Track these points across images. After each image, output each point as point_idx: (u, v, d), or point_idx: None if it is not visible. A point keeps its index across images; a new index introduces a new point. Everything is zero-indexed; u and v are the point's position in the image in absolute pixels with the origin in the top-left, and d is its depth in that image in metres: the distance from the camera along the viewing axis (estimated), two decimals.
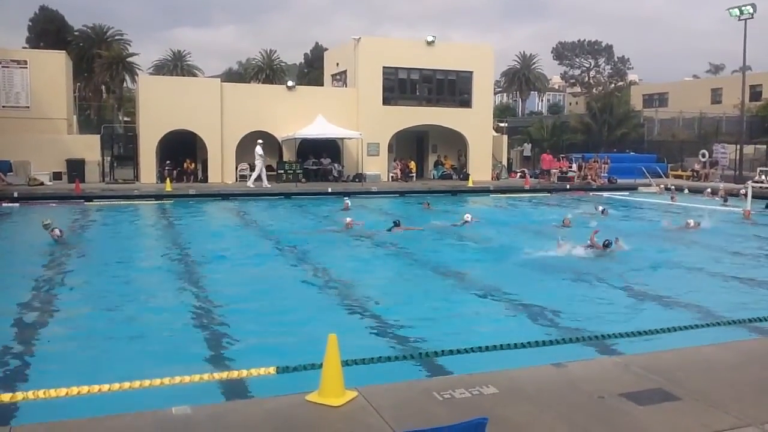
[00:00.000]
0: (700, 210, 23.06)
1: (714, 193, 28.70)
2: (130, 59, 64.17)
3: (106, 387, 5.93)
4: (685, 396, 5.40)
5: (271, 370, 6.41)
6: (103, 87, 64.47)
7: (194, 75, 66.98)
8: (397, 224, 18.04)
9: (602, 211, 22.37)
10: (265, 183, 29.10)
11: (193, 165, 31.77)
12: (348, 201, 23.27)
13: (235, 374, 6.62)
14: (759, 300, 10.97)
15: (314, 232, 18.32)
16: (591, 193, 31.44)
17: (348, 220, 18.42)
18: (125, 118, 55.31)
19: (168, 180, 28.41)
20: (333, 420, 4.94)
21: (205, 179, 31.22)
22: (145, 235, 18.82)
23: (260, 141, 29.72)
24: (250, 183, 29.18)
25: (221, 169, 31.14)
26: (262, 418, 4.99)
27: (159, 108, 29.67)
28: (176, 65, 71.83)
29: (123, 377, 6.14)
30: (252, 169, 32.11)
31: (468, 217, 19.38)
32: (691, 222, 19.16)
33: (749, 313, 9.13)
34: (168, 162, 30.71)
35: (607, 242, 14.82)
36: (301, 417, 4.99)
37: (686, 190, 31.24)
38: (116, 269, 12.97)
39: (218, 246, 16.27)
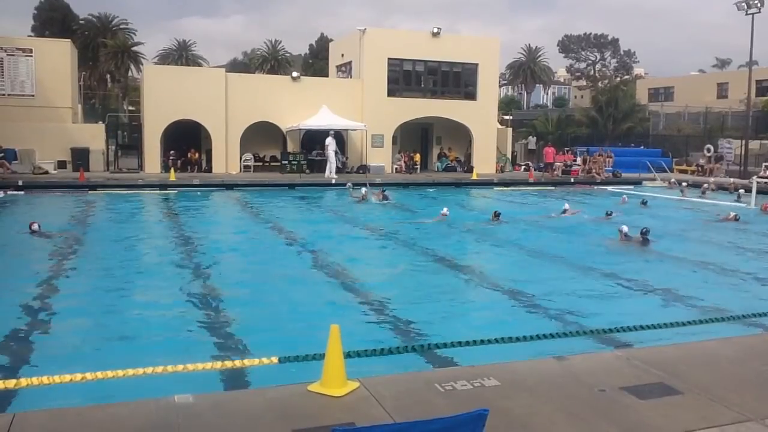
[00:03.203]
0: (711, 205, 23.30)
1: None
2: (135, 48, 64.17)
3: (109, 373, 5.98)
4: (687, 390, 5.41)
5: (274, 359, 6.45)
6: (108, 76, 64.47)
7: (199, 65, 66.93)
8: (497, 215, 18.30)
9: (643, 203, 23.29)
10: (333, 174, 29.48)
11: (197, 155, 31.79)
12: (365, 190, 23.28)
13: (237, 363, 6.65)
14: (763, 295, 10.96)
15: (408, 222, 18.48)
16: (595, 187, 31.42)
17: (444, 210, 18.61)
18: (130, 107, 55.30)
19: (172, 170, 28.45)
20: (334, 410, 4.97)
21: (209, 169, 31.23)
22: (148, 224, 18.84)
23: (332, 132, 30.07)
24: (333, 175, 29.43)
25: (225, 159, 31.13)
26: (264, 407, 5.02)
27: (164, 97, 29.65)
28: (181, 55, 71.80)
29: (125, 365, 6.19)
30: (257, 159, 32.26)
31: (567, 206, 20.21)
32: (731, 214, 19.46)
33: (753, 308, 9.13)
34: (172, 152, 30.71)
35: (644, 230, 15.19)
36: (303, 406, 5.02)
37: (685, 184, 31.35)
38: (120, 258, 13.00)
39: (222, 235, 16.31)
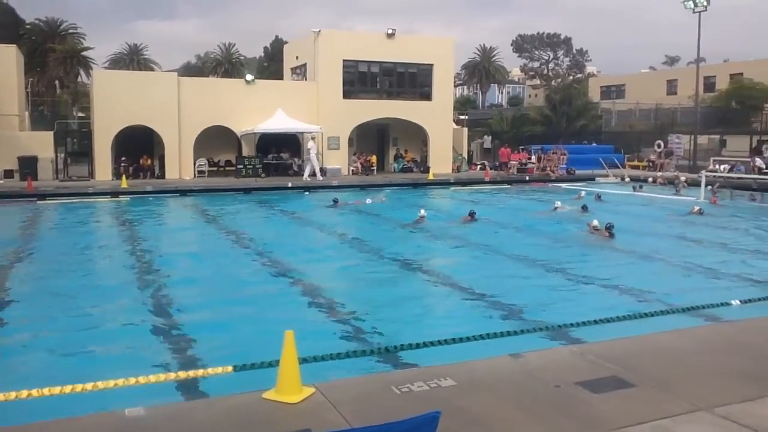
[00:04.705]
0: (663, 200, 24.01)
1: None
2: (84, 53, 62.77)
3: (57, 389, 5.79)
4: (640, 383, 5.48)
5: (229, 368, 6.33)
6: (57, 82, 62.87)
7: (151, 69, 65.85)
8: (472, 214, 18.43)
9: (597, 197, 24.34)
10: (319, 176, 29.96)
11: (149, 161, 31.24)
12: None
13: (191, 374, 6.51)
14: (714, 286, 11.21)
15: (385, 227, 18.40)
16: (549, 185, 31.84)
17: (422, 212, 18.44)
18: (80, 114, 54.12)
19: (124, 176, 27.88)
20: (290, 417, 4.91)
21: (162, 175, 30.71)
22: (98, 233, 18.43)
23: (313, 137, 30.47)
24: (319, 177, 29.98)
25: (179, 165, 30.61)
26: (218, 417, 4.94)
27: (114, 103, 29.03)
28: (132, 59, 70.53)
29: (74, 380, 6.01)
30: (212, 164, 31.87)
31: (558, 204, 20.78)
32: (695, 208, 20.32)
33: (706, 299, 9.31)
34: (124, 158, 30.11)
35: (608, 225, 15.51)
36: (258, 414, 4.95)
37: (628, 178, 32.70)
38: (68, 268, 12.67)
39: (175, 243, 16.08)
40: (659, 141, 39.38)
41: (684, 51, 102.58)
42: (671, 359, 6.13)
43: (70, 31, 65.30)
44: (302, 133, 32.41)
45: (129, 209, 22.61)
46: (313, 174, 30.02)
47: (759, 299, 9.27)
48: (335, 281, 12.15)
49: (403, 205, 22.74)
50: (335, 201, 22.47)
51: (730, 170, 30.83)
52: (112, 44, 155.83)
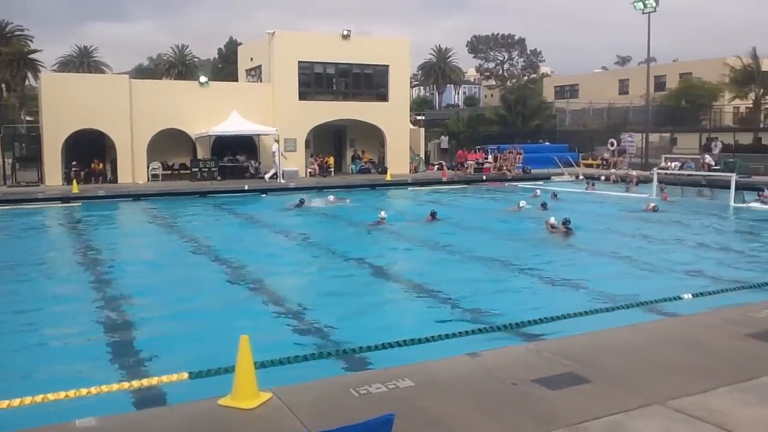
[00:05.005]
0: (616, 197, 24.56)
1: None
2: (32, 56, 61.19)
3: (4, 403, 5.59)
4: (595, 379, 5.54)
5: (184, 375, 6.20)
6: (4, 85, 61.19)
7: (102, 71, 64.57)
8: (433, 215, 18.51)
9: (553, 195, 24.66)
10: (281, 179, 29.81)
11: (101, 165, 30.58)
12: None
13: (145, 383, 6.36)
14: (669, 280, 11.44)
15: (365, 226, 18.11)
16: (506, 184, 32.16)
17: (382, 213, 18.28)
18: (28, 118, 52.71)
19: (75, 181, 27.24)
20: (246, 423, 4.84)
21: (114, 180, 30.09)
22: (48, 239, 17.98)
23: (276, 139, 30.50)
24: (282, 179, 29.97)
25: (132, 169, 30.05)
26: (173, 425, 4.84)
27: (64, 106, 28.35)
28: (83, 61, 69.06)
29: (22, 392, 5.82)
30: (166, 167, 31.36)
31: (523, 203, 20.86)
32: (650, 205, 20.85)
33: (660, 293, 9.48)
34: (75, 163, 29.41)
35: (565, 220, 15.76)
36: (213, 421, 4.87)
37: (581, 176, 33.55)
38: (16, 277, 12.33)
39: (128, 249, 15.77)
40: (612, 139, 40.14)
41: (635, 51, 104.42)
42: (626, 354, 6.22)
43: (17, 33, 63.50)
44: (258, 135, 32.14)
45: (81, 215, 22.11)
46: (274, 176, 29.89)
47: (709, 293, 9.47)
48: (294, 284, 12.06)
49: (362, 207, 22.69)
50: (301, 201, 22.39)
51: (681, 167, 31.56)
52: (62, 46, 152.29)
